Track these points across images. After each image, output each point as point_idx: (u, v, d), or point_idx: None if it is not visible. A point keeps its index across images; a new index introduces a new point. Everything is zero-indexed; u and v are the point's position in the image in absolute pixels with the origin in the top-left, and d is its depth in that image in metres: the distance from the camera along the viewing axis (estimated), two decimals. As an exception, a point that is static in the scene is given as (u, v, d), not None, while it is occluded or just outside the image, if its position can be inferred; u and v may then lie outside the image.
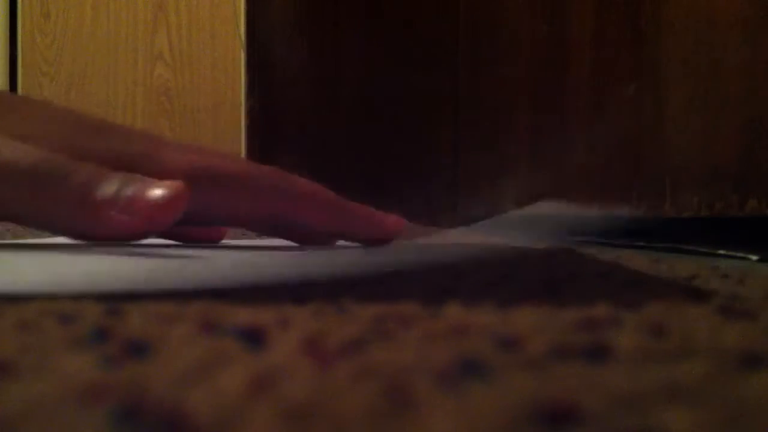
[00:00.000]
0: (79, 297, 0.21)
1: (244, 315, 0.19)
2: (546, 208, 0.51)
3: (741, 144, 0.58)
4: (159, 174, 0.36)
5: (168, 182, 0.34)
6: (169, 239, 0.43)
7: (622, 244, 0.59)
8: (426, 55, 1.10)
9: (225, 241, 0.46)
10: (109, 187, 0.34)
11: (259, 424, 0.10)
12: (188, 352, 0.15)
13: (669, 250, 0.52)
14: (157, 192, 0.34)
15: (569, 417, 0.10)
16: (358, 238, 0.43)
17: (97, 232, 0.35)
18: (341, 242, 0.45)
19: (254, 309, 0.20)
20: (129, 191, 0.34)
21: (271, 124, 1.25)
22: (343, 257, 0.39)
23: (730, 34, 0.59)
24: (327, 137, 1.18)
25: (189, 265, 0.31)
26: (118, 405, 0.11)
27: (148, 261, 0.32)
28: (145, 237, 0.36)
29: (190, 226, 0.43)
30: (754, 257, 0.45)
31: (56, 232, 0.38)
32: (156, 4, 1.51)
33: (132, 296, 0.22)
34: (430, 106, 1.08)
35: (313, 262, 0.37)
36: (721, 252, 0.48)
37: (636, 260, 0.40)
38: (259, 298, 0.22)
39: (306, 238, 0.44)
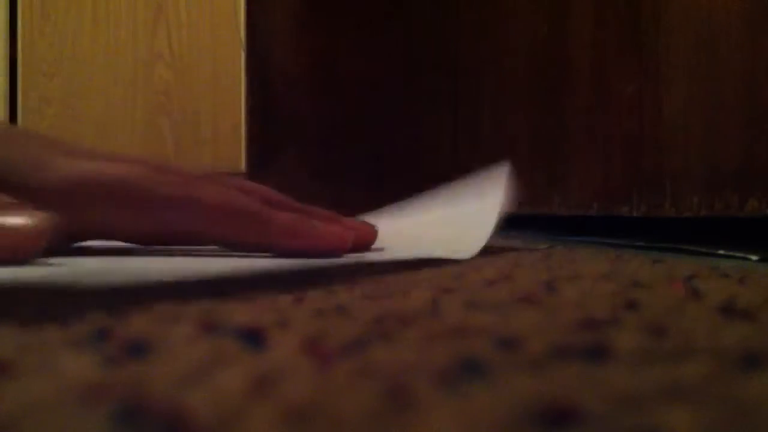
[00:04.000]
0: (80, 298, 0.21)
1: (244, 315, 0.19)
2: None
3: (741, 144, 0.58)
4: (47, 183, 0.34)
5: (34, 211, 0.32)
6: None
7: (622, 244, 0.59)
8: (426, 55, 1.10)
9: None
10: None
11: (259, 424, 0.10)
12: (188, 352, 0.15)
13: (669, 250, 0.52)
14: (20, 221, 0.32)
15: (569, 417, 0.10)
16: (290, 251, 0.38)
17: None
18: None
19: (254, 309, 0.20)
20: None
21: (271, 124, 1.25)
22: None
23: (730, 34, 0.59)
24: (327, 137, 1.18)
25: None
26: (118, 405, 0.11)
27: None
28: (11, 263, 0.33)
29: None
30: (754, 257, 0.45)
31: None
32: (156, 4, 1.51)
33: (132, 296, 0.22)
34: (429, 106, 1.08)
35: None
36: (721, 252, 0.48)
37: (636, 260, 0.40)
38: (259, 298, 0.22)
39: (224, 246, 0.39)
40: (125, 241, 0.39)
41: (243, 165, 1.31)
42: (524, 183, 0.85)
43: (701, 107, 0.62)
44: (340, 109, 1.18)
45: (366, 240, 0.42)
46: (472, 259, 0.39)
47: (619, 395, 0.12)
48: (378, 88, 1.14)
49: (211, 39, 1.53)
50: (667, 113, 0.65)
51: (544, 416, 0.10)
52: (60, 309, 0.20)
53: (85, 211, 0.36)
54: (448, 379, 0.13)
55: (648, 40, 0.67)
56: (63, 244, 0.37)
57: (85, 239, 0.39)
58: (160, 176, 0.37)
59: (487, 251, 0.42)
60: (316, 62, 1.21)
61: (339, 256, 0.38)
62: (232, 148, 1.39)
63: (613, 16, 0.72)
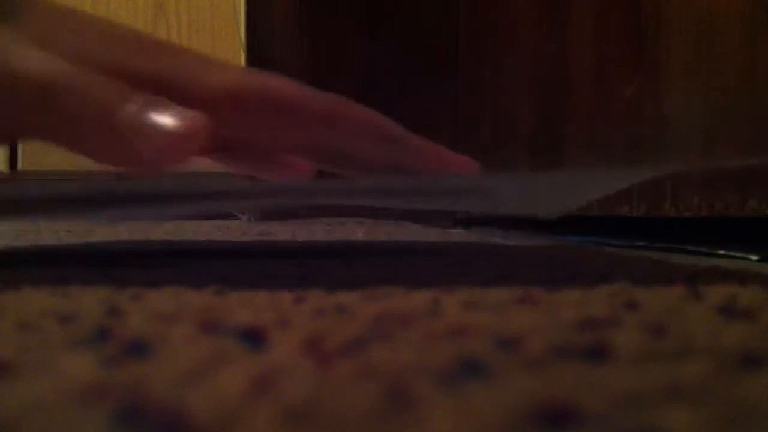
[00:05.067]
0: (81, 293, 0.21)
1: (244, 315, 0.19)
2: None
3: (741, 144, 0.58)
4: (201, 94, 0.35)
5: (189, 112, 0.32)
6: (242, 173, 0.42)
7: (622, 244, 0.59)
8: (426, 54, 1.10)
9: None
10: (129, 110, 0.32)
11: (259, 424, 0.10)
12: (188, 352, 0.15)
13: (669, 250, 0.52)
14: (174, 122, 0.31)
15: (569, 417, 0.10)
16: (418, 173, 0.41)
17: (112, 157, 0.33)
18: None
19: (254, 309, 0.20)
20: (147, 118, 0.31)
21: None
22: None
23: (730, 34, 0.59)
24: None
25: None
26: (118, 405, 0.11)
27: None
28: (163, 167, 0.33)
29: (261, 162, 0.41)
30: (754, 257, 0.45)
31: (71, 150, 0.34)
32: (156, 4, 1.51)
33: (133, 296, 0.22)
34: (430, 106, 1.08)
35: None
36: (721, 252, 0.48)
37: (636, 260, 0.40)
38: (259, 298, 0.22)
39: (363, 170, 0.41)
40: (282, 152, 0.40)
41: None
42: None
43: (701, 107, 0.62)
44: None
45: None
46: (472, 259, 0.39)
47: (619, 395, 0.12)
48: (378, 88, 1.14)
49: (211, 39, 1.53)
50: (667, 113, 0.65)
51: (544, 416, 0.10)
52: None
53: (242, 119, 0.36)
54: (448, 379, 0.13)
55: (648, 40, 0.67)
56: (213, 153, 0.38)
57: (234, 149, 0.39)
58: (309, 95, 0.38)
59: (487, 251, 0.42)
60: (316, 62, 1.21)
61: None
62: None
63: (613, 16, 0.72)
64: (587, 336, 0.16)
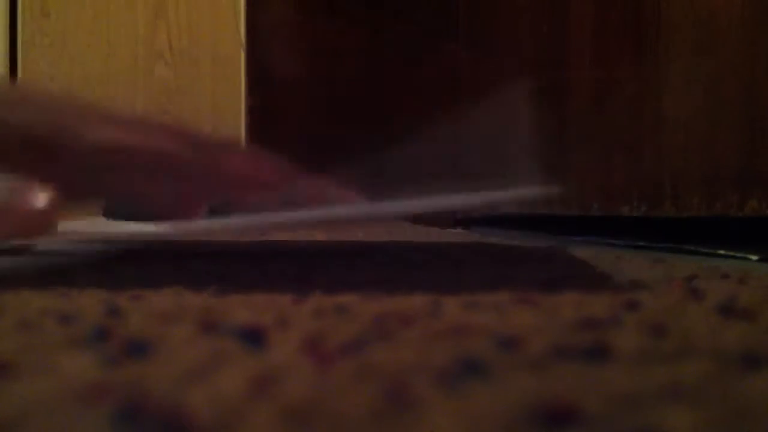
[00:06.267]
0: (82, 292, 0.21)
1: (244, 315, 0.19)
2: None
3: (741, 144, 0.58)
4: (76, 149, 0.36)
5: (42, 193, 0.33)
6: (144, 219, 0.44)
7: (622, 244, 0.59)
8: (426, 55, 1.10)
9: None
10: None
11: (259, 424, 0.10)
12: (188, 352, 0.15)
13: (669, 250, 0.52)
14: (30, 203, 0.33)
15: (569, 417, 0.10)
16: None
17: None
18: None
19: (254, 309, 0.20)
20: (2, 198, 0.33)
21: (271, 124, 1.25)
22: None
23: (730, 34, 0.59)
24: (327, 137, 1.18)
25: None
26: (118, 405, 0.11)
27: None
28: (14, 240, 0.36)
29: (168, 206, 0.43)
30: (754, 257, 0.45)
31: None
32: (156, 4, 1.51)
33: (133, 296, 0.22)
34: (430, 105, 1.08)
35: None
36: (721, 252, 0.48)
37: (636, 260, 0.40)
38: (259, 298, 0.22)
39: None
40: (147, 206, 0.41)
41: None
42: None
43: (701, 108, 0.62)
44: (340, 109, 1.18)
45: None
46: (472, 259, 0.39)
47: (619, 395, 0.12)
48: (378, 88, 1.14)
49: (211, 39, 1.53)
50: (667, 113, 0.65)
51: (544, 416, 0.10)
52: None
53: (110, 177, 0.37)
54: (448, 379, 0.13)
55: (648, 39, 0.67)
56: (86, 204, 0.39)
57: (106, 199, 0.41)
58: (185, 147, 0.39)
59: (487, 251, 0.42)
60: (316, 62, 1.21)
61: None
62: (232, 148, 1.39)
63: (613, 16, 0.72)
64: (587, 336, 0.16)
